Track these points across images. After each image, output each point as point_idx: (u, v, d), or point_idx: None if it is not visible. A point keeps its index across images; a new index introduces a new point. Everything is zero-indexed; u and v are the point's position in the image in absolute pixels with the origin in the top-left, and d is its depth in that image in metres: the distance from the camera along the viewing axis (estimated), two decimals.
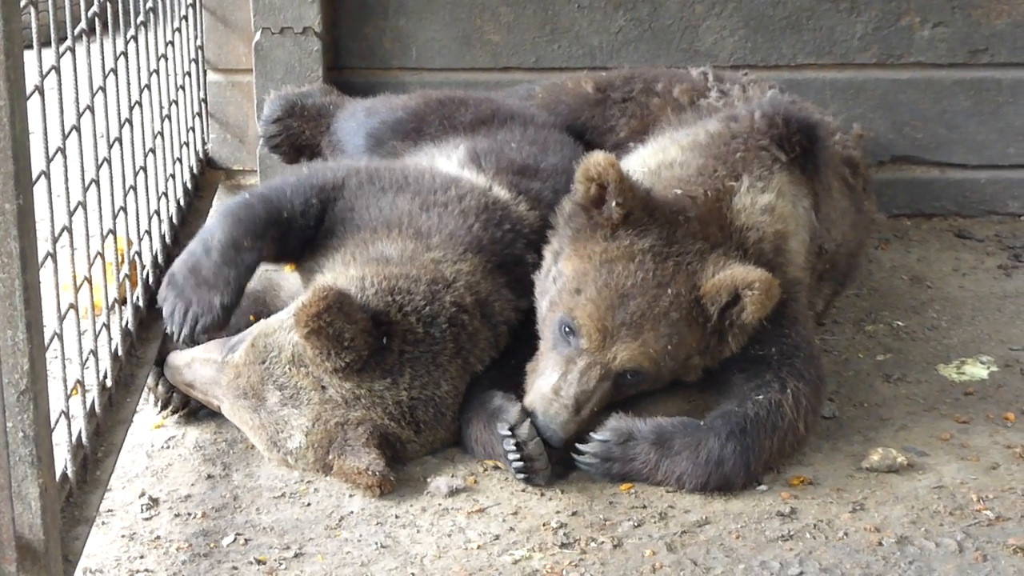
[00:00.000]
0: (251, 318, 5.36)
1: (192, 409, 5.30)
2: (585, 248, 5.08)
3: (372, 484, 4.84)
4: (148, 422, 5.29)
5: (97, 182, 4.88)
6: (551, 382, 4.99)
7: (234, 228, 5.28)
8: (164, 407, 5.28)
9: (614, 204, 5.00)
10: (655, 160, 5.43)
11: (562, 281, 5.09)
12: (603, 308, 4.97)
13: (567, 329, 5.01)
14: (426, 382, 5.02)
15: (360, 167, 5.63)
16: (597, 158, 5.03)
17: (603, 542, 4.63)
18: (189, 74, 6.76)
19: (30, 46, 4.02)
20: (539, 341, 5.14)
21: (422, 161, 5.85)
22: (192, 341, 5.23)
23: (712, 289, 4.96)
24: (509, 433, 4.90)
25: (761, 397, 5.01)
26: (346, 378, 4.93)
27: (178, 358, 5.21)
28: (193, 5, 6.88)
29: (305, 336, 4.83)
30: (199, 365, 5.14)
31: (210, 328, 5.22)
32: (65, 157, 4.46)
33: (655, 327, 4.95)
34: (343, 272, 5.16)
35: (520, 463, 4.89)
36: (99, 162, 4.93)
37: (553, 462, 4.96)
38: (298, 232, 5.39)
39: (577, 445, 4.98)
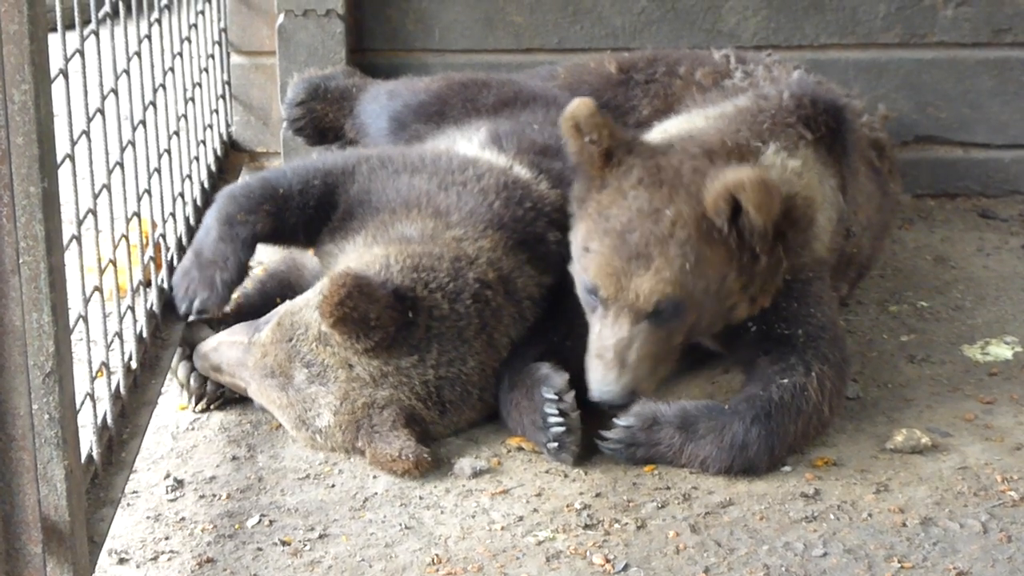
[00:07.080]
0: (277, 300, 5.38)
1: (228, 398, 5.32)
2: (586, 209, 5.06)
3: (408, 468, 4.85)
4: (173, 404, 5.31)
5: (121, 165, 4.89)
6: (591, 347, 4.98)
7: (228, 204, 5.41)
8: (199, 400, 5.30)
9: (587, 141, 4.99)
10: (677, 129, 5.41)
11: (576, 248, 5.08)
12: (608, 252, 4.92)
13: (589, 289, 4.99)
14: (453, 358, 5.03)
15: (371, 154, 5.66)
16: (572, 104, 5.04)
17: (627, 523, 4.64)
18: (213, 57, 6.77)
19: (54, 29, 4.03)
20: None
21: (440, 144, 5.86)
22: (199, 318, 5.33)
23: (711, 202, 4.85)
24: (555, 397, 4.91)
25: (786, 381, 4.99)
26: (374, 356, 4.94)
27: (205, 345, 5.24)
28: None
29: (332, 325, 4.85)
30: (225, 348, 5.16)
31: (209, 303, 5.31)
32: (90, 140, 4.48)
33: (663, 250, 4.86)
34: (366, 252, 5.18)
35: (561, 428, 4.89)
36: (123, 145, 4.94)
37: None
38: (296, 210, 5.43)
39: (600, 432, 4.97)
